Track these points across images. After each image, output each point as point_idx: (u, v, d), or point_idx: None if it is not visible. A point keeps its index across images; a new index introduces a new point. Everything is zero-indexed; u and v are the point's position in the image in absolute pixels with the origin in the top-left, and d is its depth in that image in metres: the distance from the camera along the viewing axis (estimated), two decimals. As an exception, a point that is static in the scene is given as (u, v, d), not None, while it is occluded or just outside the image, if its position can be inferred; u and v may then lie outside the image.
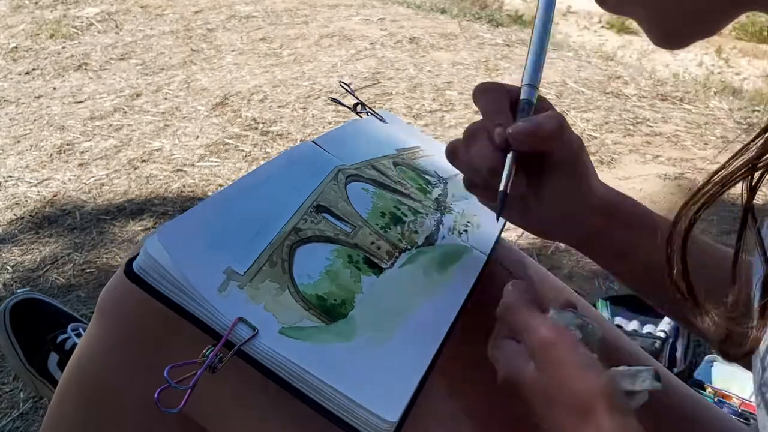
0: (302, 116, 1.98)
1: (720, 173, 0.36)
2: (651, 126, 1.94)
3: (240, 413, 0.47)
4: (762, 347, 0.32)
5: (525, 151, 0.48)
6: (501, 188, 0.48)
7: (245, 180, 0.53)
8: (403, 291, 0.50)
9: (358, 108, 0.67)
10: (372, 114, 0.68)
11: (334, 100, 0.69)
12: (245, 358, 0.42)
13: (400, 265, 0.53)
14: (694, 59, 2.34)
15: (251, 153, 1.77)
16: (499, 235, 0.62)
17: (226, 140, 1.83)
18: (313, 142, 0.60)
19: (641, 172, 1.69)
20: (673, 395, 0.58)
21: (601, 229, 0.53)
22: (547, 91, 2.13)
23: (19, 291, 1.23)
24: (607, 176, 1.67)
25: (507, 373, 0.44)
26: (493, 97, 0.51)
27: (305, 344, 0.43)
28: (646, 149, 1.81)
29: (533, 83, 0.51)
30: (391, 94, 2.10)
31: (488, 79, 2.19)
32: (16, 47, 2.58)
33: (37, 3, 3.02)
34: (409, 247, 0.55)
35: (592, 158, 1.75)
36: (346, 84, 0.66)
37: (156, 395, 0.37)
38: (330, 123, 1.93)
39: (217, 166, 1.71)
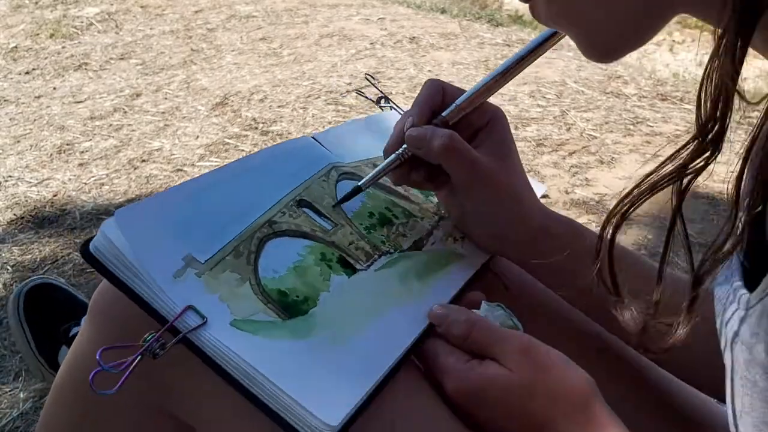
0: (302, 116, 1.98)
1: (650, 177, 0.37)
2: (651, 126, 1.94)
3: (218, 410, 0.47)
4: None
5: (416, 154, 0.52)
6: (360, 183, 0.54)
7: (227, 168, 0.52)
8: (373, 294, 0.49)
9: (382, 102, 0.67)
10: (394, 108, 0.67)
11: (359, 92, 0.69)
12: (191, 347, 0.41)
13: (376, 269, 0.51)
14: (694, 59, 2.34)
15: (251, 153, 1.76)
16: None
17: (226, 140, 1.83)
18: (312, 137, 0.59)
19: (641, 171, 1.69)
20: (674, 395, 0.58)
21: (535, 255, 0.53)
22: (547, 90, 2.13)
23: (35, 276, 1.21)
24: (607, 176, 1.67)
25: (482, 382, 0.45)
26: (427, 90, 0.54)
27: (255, 338, 0.42)
28: (646, 149, 1.81)
29: (464, 101, 0.54)
30: (392, 93, 2.10)
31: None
32: (16, 47, 2.59)
33: (37, 3, 3.02)
34: (391, 251, 0.53)
35: (593, 158, 1.76)
36: (371, 76, 0.66)
37: (90, 378, 0.37)
38: (330, 123, 1.93)
39: (217, 165, 1.71)
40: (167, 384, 0.48)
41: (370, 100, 0.66)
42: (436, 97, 0.54)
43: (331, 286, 0.48)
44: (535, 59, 0.53)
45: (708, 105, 0.32)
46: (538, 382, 0.44)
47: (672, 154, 0.36)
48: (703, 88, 0.32)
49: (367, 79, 0.66)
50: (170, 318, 0.41)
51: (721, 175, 0.37)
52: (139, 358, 0.39)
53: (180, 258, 0.44)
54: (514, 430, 0.45)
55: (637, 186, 0.38)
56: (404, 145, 0.53)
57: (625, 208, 0.40)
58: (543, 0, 0.38)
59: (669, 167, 0.36)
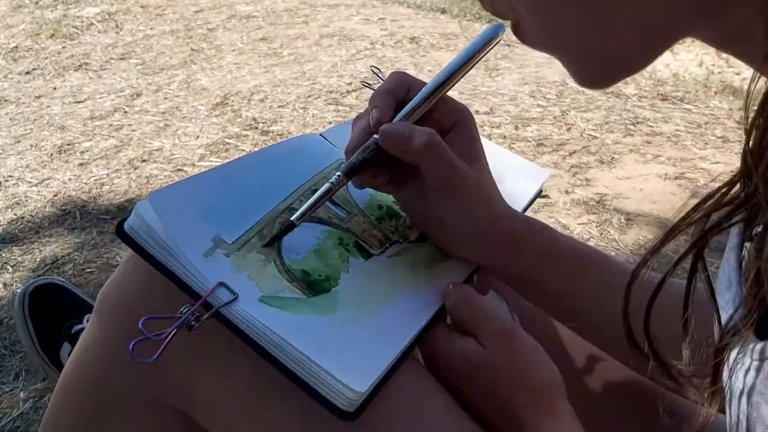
0: (302, 116, 1.98)
1: (686, 218, 0.33)
2: (651, 126, 1.94)
3: (227, 406, 0.47)
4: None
5: (392, 152, 0.49)
6: (293, 218, 0.49)
7: (245, 159, 0.54)
8: (387, 278, 0.51)
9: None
10: None
11: (365, 84, 0.69)
12: (223, 322, 0.43)
13: (389, 255, 0.54)
14: (694, 59, 2.34)
15: (253, 152, 1.77)
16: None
17: (227, 140, 1.83)
18: (320, 134, 0.61)
19: (641, 171, 1.69)
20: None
21: (506, 260, 0.51)
22: (547, 90, 2.13)
23: (39, 277, 1.23)
24: (607, 176, 1.67)
25: (455, 354, 0.47)
26: (392, 82, 0.51)
27: (284, 313, 0.44)
28: (646, 149, 1.81)
29: (428, 94, 0.51)
30: (392, 93, 2.10)
31: (488, 79, 2.19)
32: (16, 47, 2.59)
33: (37, 3, 3.02)
34: (400, 240, 0.55)
35: (593, 158, 1.76)
36: (377, 69, 0.66)
37: (131, 346, 0.39)
38: (330, 123, 1.93)
39: (218, 165, 1.71)
40: (175, 379, 0.48)
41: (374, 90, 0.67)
42: (400, 91, 0.51)
43: (350, 267, 0.50)
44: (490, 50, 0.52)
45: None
46: (505, 367, 0.46)
47: (709, 196, 0.32)
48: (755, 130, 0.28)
49: (373, 72, 0.66)
50: (203, 293, 0.43)
51: (722, 175, 0.36)
52: (175, 330, 0.41)
53: (209, 239, 0.46)
54: (480, 407, 0.47)
55: (671, 230, 0.34)
56: (362, 148, 0.50)
57: (657, 246, 0.35)
58: (533, 21, 0.35)
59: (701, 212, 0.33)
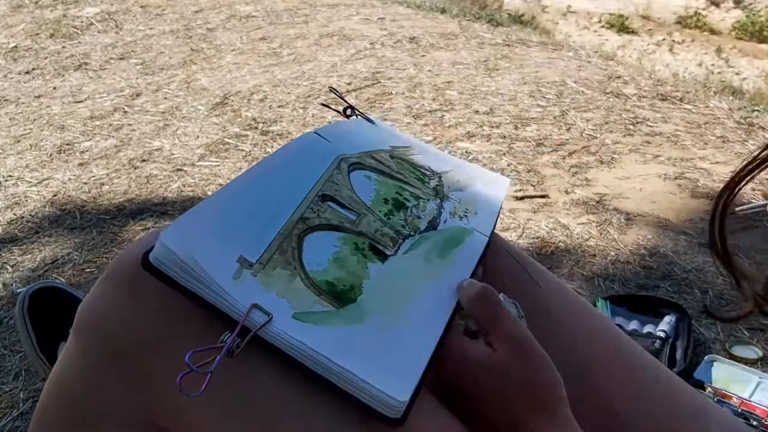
0: (302, 116, 1.98)
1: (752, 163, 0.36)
2: (651, 126, 1.94)
3: (204, 423, 0.46)
4: None
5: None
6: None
7: (253, 171, 0.54)
8: (408, 277, 0.52)
9: (348, 112, 0.67)
10: (362, 117, 0.69)
11: (324, 105, 0.69)
12: (261, 344, 0.43)
13: (404, 252, 0.54)
14: (694, 59, 2.34)
15: (251, 152, 1.77)
16: (496, 221, 0.63)
17: (226, 140, 1.83)
18: (315, 132, 0.61)
19: (641, 171, 1.69)
20: (676, 395, 0.58)
21: None
22: (547, 90, 2.13)
23: (40, 277, 1.26)
24: (607, 176, 1.67)
25: (465, 354, 0.47)
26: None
27: (317, 328, 0.44)
28: (646, 149, 1.81)
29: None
30: (391, 93, 2.10)
31: (488, 79, 2.19)
32: (16, 47, 2.59)
33: (37, 3, 3.03)
34: (412, 233, 0.56)
35: (593, 158, 1.76)
36: (335, 90, 0.67)
37: (179, 380, 0.38)
38: (330, 123, 1.93)
39: (217, 165, 1.71)
40: (158, 397, 0.47)
41: (337, 111, 0.67)
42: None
43: (371, 273, 0.50)
44: None
45: None
46: (514, 372, 0.46)
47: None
48: None
49: (332, 91, 0.67)
50: (238, 318, 0.43)
51: (721, 174, 0.37)
52: (219, 358, 0.41)
53: (234, 260, 0.46)
54: (485, 411, 0.47)
55: (740, 171, 0.37)
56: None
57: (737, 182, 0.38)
58: None
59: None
